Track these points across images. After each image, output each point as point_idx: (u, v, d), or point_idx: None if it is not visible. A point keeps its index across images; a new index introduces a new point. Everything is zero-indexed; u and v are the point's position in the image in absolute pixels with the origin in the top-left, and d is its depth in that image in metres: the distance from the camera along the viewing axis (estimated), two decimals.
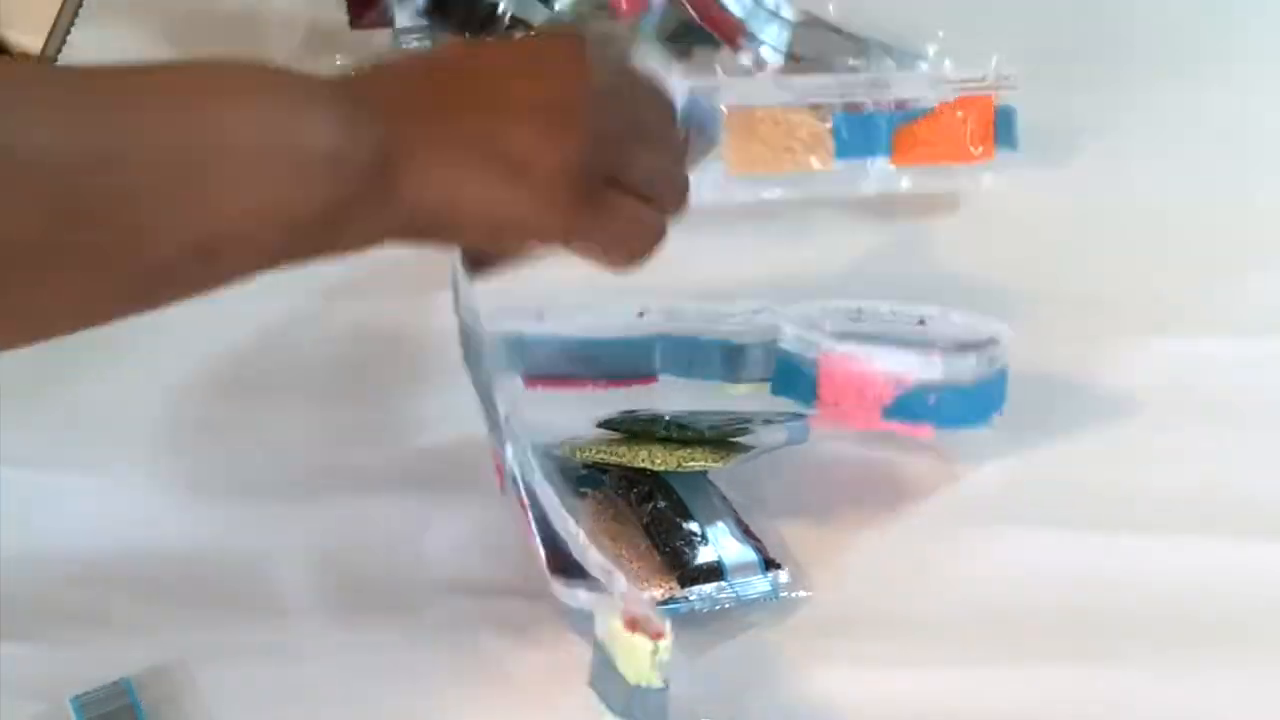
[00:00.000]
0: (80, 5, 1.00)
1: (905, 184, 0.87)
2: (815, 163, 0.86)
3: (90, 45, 0.99)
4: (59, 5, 1.03)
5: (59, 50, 0.97)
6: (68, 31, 1.00)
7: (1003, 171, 0.88)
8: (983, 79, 0.86)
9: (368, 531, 0.75)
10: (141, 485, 0.77)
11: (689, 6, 0.89)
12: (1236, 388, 0.80)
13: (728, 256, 0.85)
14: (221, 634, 0.71)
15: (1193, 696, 0.69)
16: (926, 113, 0.86)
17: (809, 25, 0.92)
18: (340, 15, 0.95)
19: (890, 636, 0.71)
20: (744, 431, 0.73)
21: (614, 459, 0.73)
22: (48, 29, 0.99)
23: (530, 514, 0.66)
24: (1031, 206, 0.88)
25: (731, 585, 0.69)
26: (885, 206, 0.89)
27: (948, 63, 0.89)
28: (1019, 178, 0.89)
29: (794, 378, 0.74)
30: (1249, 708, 0.69)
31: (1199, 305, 0.83)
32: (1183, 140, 0.92)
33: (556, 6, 0.84)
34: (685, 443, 0.73)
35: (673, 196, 0.65)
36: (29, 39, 1.05)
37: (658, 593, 0.68)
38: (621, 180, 0.62)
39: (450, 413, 0.79)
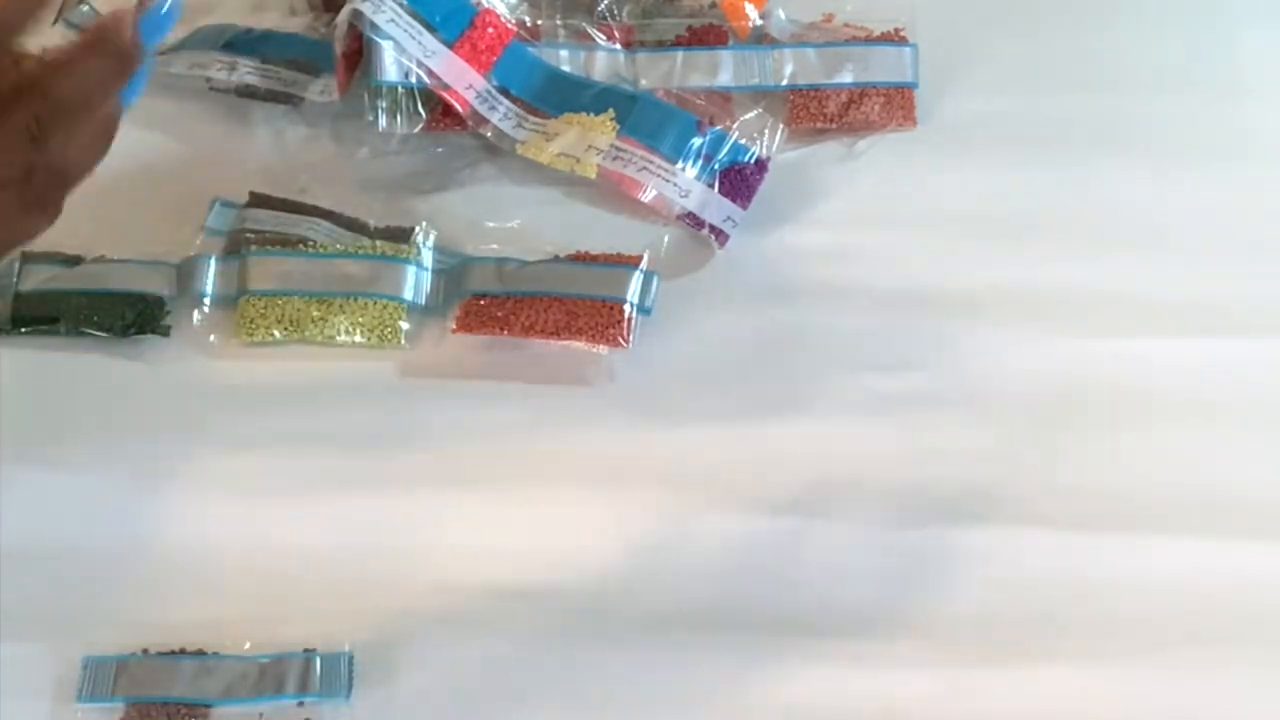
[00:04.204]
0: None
1: None
2: None
3: None
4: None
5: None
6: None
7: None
8: None
9: (368, 531, 0.76)
10: (143, 484, 0.77)
11: None
12: (1235, 388, 0.80)
13: None
14: (222, 633, 0.71)
15: (1192, 696, 0.69)
16: None
17: None
18: None
19: (890, 636, 0.71)
20: None
21: None
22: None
23: None
24: (1021, 205, 0.88)
25: None
26: None
27: None
28: (1013, 175, 0.89)
29: None
30: (1248, 707, 0.69)
31: (1198, 306, 0.83)
32: (1179, 140, 0.92)
33: None
34: None
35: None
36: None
37: None
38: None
39: (451, 416, 0.80)
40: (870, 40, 0.93)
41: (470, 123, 0.88)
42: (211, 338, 0.83)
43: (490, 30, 0.89)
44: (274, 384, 0.81)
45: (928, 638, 0.71)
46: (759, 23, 0.94)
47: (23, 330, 0.83)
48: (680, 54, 0.93)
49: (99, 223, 0.87)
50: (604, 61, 0.93)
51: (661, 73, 0.92)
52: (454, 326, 0.82)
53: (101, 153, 0.62)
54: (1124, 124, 0.92)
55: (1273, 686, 0.69)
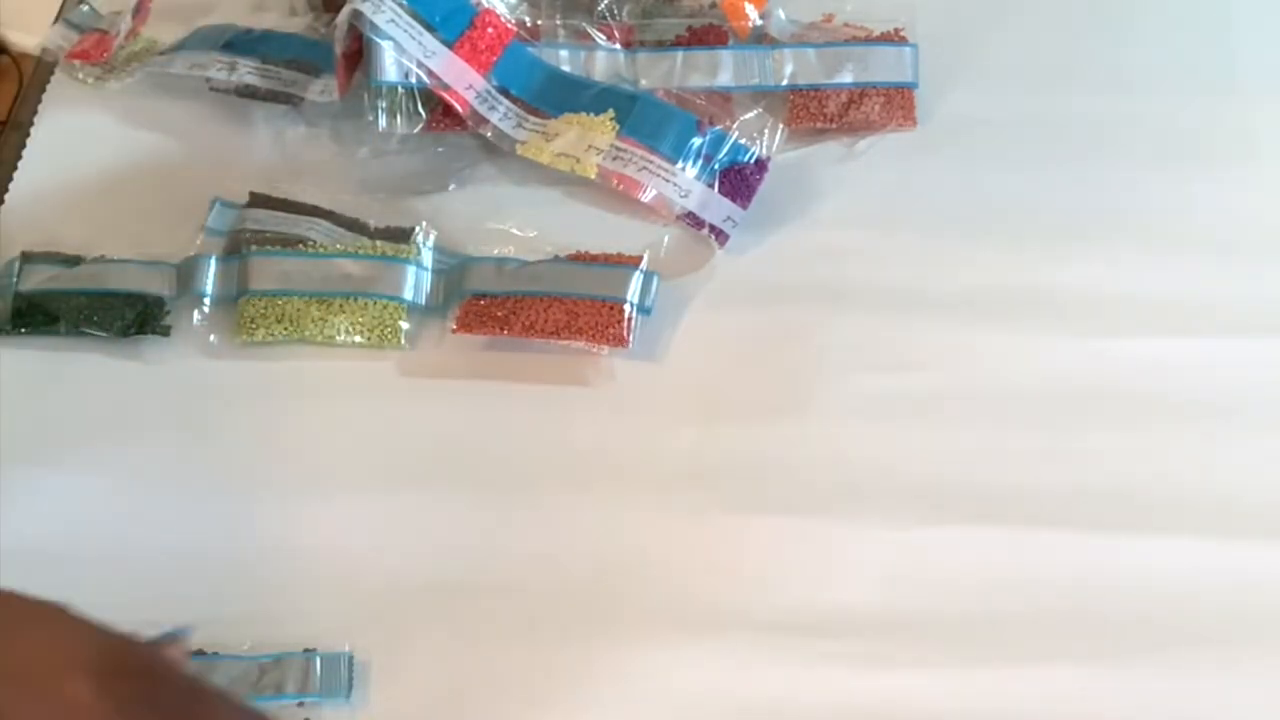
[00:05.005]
0: (80, 5, 1.00)
1: None
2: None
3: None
4: (59, 5, 1.03)
5: (59, 49, 0.97)
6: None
7: None
8: None
9: (367, 531, 0.76)
10: (143, 484, 0.77)
11: None
12: (1235, 388, 0.80)
13: None
14: (222, 633, 0.71)
15: (1192, 696, 0.69)
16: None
17: None
18: None
19: (890, 636, 0.71)
20: None
21: None
22: (47, 29, 0.99)
23: None
24: (1021, 205, 0.88)
25: None
26: None
27: None
28: (1013, 175, 0.89)
29: None
30: (1248, 707, 0.69)
31: (1198, 306, 0.83)
32: (1179, 140, 0.92)
33: None
34: None
35: None
36: (29, 39, 1.05)
37: None
38: None
39: (451, 416, 0.80)
40: (870, 40, 0.93)
41: (470, 123, 0.88)
42: (211, 338, 0.83)
43: (490, 30, 0.90)
44: (274, 384, 0.81)
45: (928, 638, 0.71)
46: (759, 23, 0.94)
47: (23, 330, 0.83)
48: (680, 54, 0.93)
49: (99, 223, 0.88)
50: (604, 61, 0.93)
51: (661, 73, 0.92)
52: (454, 326, 0.82)
53: None
54: (1124, 124, 0.92)
55: (1273, 686, 0.69)
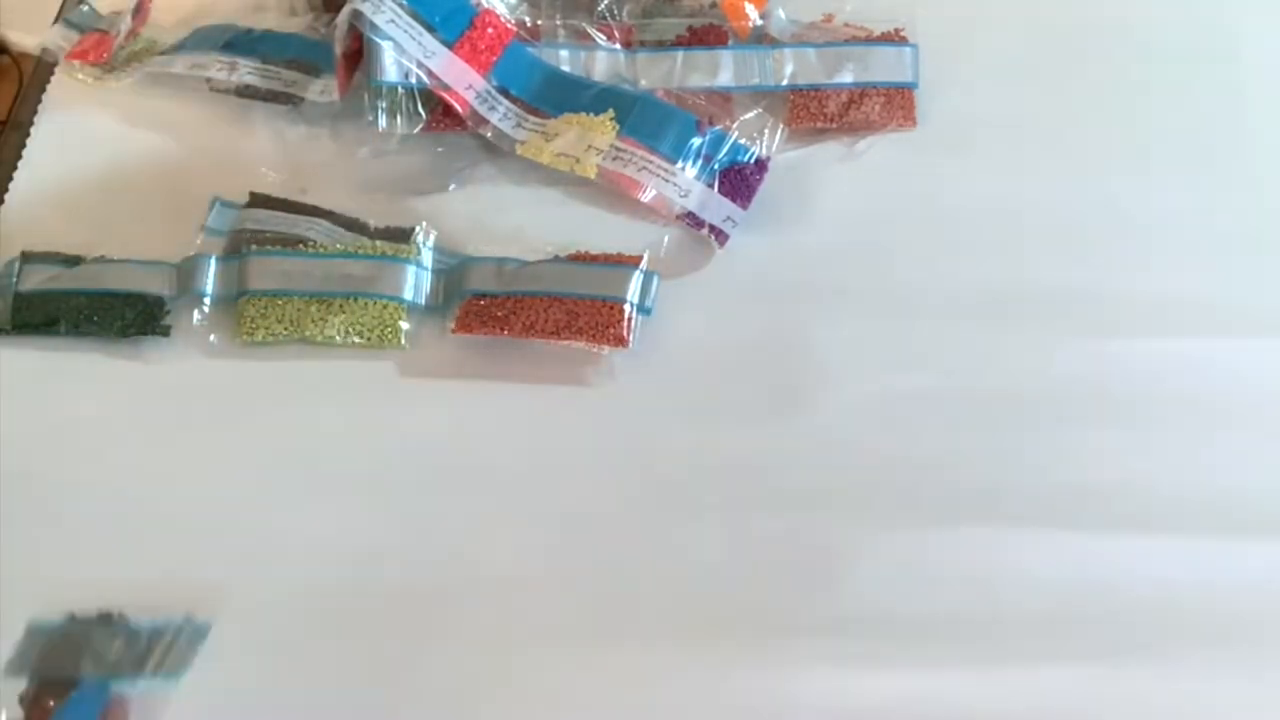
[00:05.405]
0: (79, 5, 1.00)
1: None
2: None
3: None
4: (59, 5, 1.03)
5: (59, 49, 0.97)
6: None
7: None
8: None
9: (367, 531, 0.76)
10: (142, 484, 0.77)
11: None
12: (1235, 388, 0.80)
13: None
14: (218, 629, 0.71)
15: (1192, 696, 0.69)
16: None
17: None
18: None
19: (891, 636, 0.71)
20: None
21: None
22: (47, 29, 0.99)
23: None
24: (1021, 205, 0.88)
25: None
26: None
27: None
28: (1013, 175, 0.89)
29: None
30: (1248, 707, 0.69)
31: (1198, 306, 0.83)
32: (1179, 140, 0.92)
33: None
34: None
35: None
36: (29, 39, 1.05)
37: None
38: None
39: (451, 416, 0.80)
40: (870, 40, 0.93)
41: (470, 123, 0.88)
42: (211, 338, 0.83)
43: (490, 30, 0.90)
44: (274, 384, 0.81)
45: (928, 638, 0.71)
46: (759, 23, 0.94)
47: (23, 330, 0.83)
48: (680, 54, 0.93)
49: (99, 223, 0.88)
50: (604, 61, 0.93)
51: (661, 73, 0.92)
52: (454, 326, 0.82)
53: None
54: (1124, 124, 0.92)
55: (1273, 686, 0.69)
